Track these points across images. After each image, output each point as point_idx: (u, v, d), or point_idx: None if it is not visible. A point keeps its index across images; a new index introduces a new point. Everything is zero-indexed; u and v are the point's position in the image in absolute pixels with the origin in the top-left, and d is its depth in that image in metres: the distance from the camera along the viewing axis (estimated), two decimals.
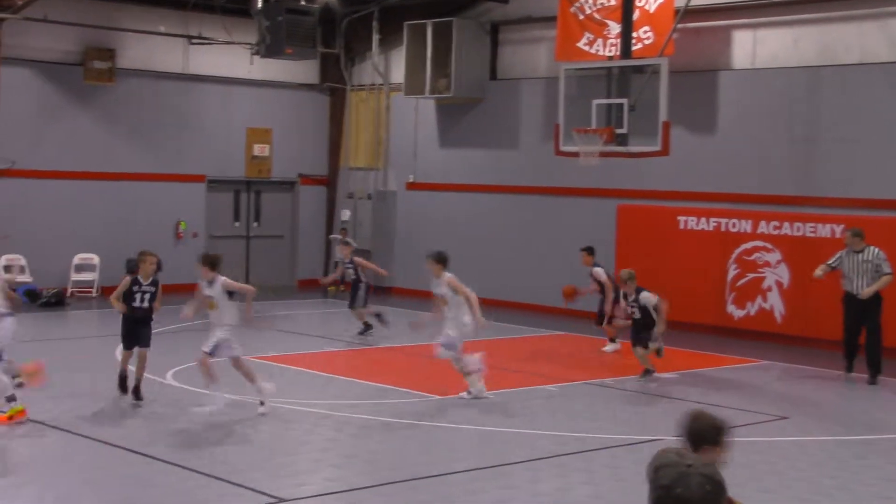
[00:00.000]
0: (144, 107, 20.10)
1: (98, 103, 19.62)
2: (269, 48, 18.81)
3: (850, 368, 12.58)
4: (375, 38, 20.76)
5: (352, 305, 15.48)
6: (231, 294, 10.36)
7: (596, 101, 15.38)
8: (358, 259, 15.75)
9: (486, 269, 18.01)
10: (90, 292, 19.14)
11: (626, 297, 12.60)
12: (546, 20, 17.96)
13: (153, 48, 20.05)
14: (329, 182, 22.70)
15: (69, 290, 18.71)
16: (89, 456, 8.77)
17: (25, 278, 18.23)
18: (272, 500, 7.63)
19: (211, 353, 9.92)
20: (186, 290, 12.83)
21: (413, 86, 19.47)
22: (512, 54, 19.55)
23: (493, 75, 19.63)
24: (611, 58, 16.33)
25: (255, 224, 21.98)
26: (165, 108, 20.37)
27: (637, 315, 12.08)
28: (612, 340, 14.51)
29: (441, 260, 10.96)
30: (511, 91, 19.22)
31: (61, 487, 7.77)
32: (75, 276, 19.05)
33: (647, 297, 11.90)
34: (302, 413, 10.45)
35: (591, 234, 16.52)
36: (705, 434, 3.79)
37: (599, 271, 14.44)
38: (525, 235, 18.77)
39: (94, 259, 19.26)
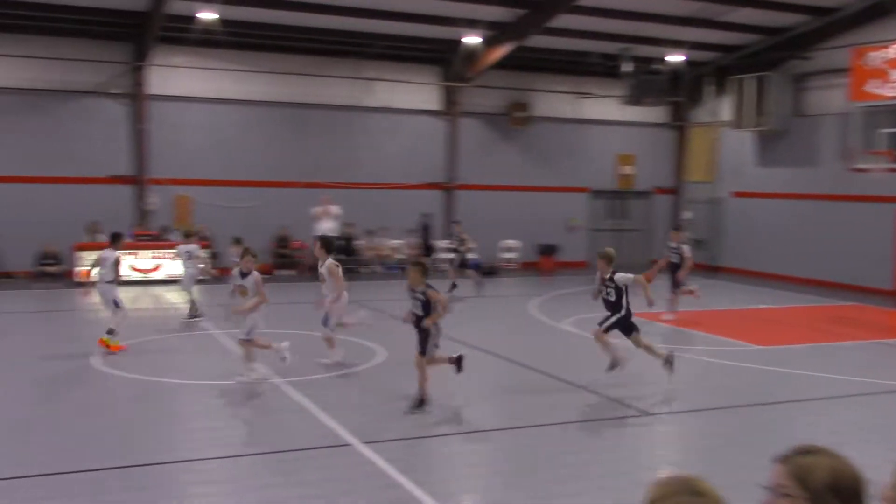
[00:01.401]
0: (548, 142, 28.35)
1: (518, 140, 28.14)
2: (633, 99, 25.66)
3: None
4: (709, 88, 27.40)
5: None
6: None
7: (881, 130, 21.47)
8: (684, 246, 17.39)
9: (791, 253, 24.54)
10: (513, 266, 27.35)
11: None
12: (839, 71, 23.19)
13: (554, 101, 28.23)
14: (675, 192, 29.99)
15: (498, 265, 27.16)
16: None
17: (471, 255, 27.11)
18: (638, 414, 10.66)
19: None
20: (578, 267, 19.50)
21: (737, 122, 25.89)
22: (812, 96, 24.93)
23: (798, 112, 25.13)
24: (893, 97, 21.74)
25: (623, 221, 29.81)
26: (562, 143, 28.49)
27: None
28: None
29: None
30: (811, 124, 24.75)
31: None
32: (503, 255, 27.73)
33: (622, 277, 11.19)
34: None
35: (871, 231, 22.52)
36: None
37: (686, 247, 17.25)
38: (821, 230, 24.23)
39: (515, 244, 27.61)
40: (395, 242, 26.22)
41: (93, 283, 13.96)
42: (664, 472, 2.57)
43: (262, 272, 21.98)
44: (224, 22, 21.33)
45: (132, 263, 21.29)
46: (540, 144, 28.16)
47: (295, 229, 24.31)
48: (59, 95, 22.46)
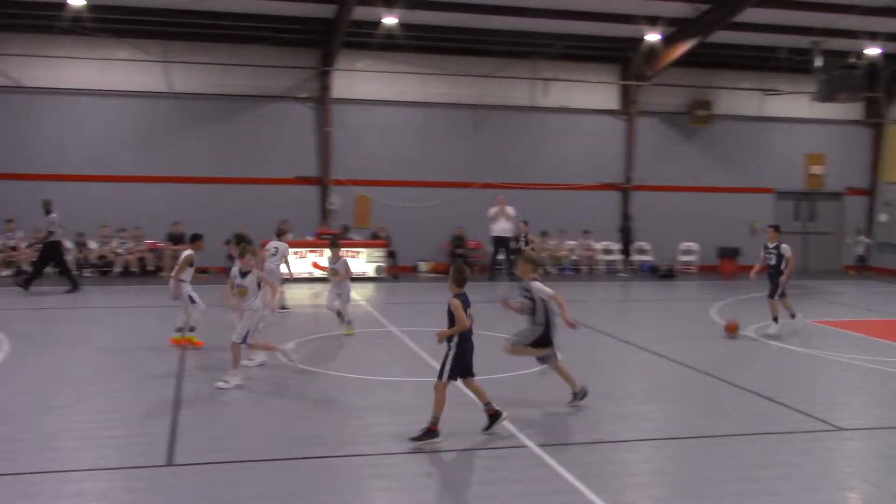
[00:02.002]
0: (731, 140, 27.42)
1: (699, 139, 27.37)
2: (825, 95, 24.14)
3: None
4: None
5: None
6: None
7: None
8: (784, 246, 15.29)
9: None
10: (691, 269, 26.61)
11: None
12: None
13: (739, 99, 27.32)
14: (870, 193, 28.16)
15: (676, 267, 26.46)
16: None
17: (646, 258, 26.57)
18: (831, 429, 9.19)
19: None
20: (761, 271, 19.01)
21: None
22: None
23: None
24: None
25: (811, 223, 28.32)
26: (746, 142, 27.44)
27: None
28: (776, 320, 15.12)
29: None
30: None
31: None
32: (681, 258, 26.90)
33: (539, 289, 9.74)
34: (854, 365, 12.36)
35: None
36: None
37: (787, 247, 15.23)
38: None
39: (693, 246, 26.78)
40: (571, 244, 25.99)
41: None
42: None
43: (438, 272, 22.15)
44: (404, 26, 21.85)
45: (315, 261, 22.13)
46: (722, 143, 27.26)
47: (470, 229, 24.55)
48: (249, 100, 23.69)
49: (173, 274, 13.11)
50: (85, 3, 20.55)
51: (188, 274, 13.01)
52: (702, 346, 14.23)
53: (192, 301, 12.99)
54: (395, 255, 23.68)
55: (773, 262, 15.25)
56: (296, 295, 19.34)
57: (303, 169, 24.13)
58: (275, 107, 23.94)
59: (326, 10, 21.92)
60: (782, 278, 15.01)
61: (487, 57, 24.95)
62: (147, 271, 22.42)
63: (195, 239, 13.46)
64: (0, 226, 21.90)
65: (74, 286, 19.06)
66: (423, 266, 24.62)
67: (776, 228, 15.64)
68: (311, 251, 22.06)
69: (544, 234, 25.50)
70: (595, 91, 26.25)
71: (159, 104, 23.37)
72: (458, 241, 24.72)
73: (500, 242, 22.77)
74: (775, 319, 15.12)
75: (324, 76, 23.87)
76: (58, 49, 22.43)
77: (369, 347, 13.76)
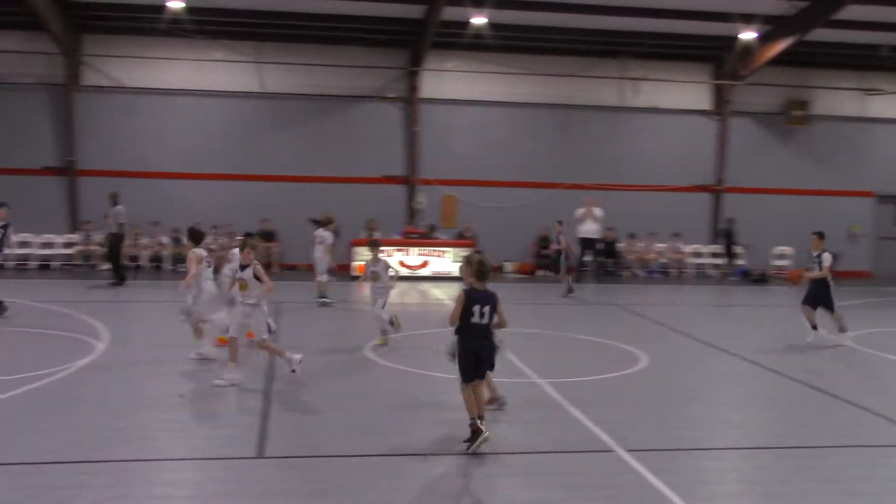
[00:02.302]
0: (829, 142, 26.55)
1: (794, 140, 26.58)
2: None
3: None
4: None
5: None
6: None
7: None
8: None
9: None
10: (784, 274, 25.85)
11: None
12: None
13: (838, 99, 26.44)
14: None
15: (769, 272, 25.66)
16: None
17: (739, 262, 25.86)
18: None
19: None
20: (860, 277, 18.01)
21: None
22: None
23: None
24: None
25: None
26: (845, 143, 26.51)
27: None
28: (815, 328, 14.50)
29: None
30: None
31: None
32: (775, 262, 26.09)
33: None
34: None
35: None
36: None
37: (827, 256, 14.44)
38: None
39: (788, 250, 26.08)
40: (660, 246, 25.57)
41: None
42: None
43: (524, 272, 22.02)
44: (492, 25, 21.84)
45: (401, 259, 22.31)
46: (819, 145, 26.48)
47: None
48: (339, 100, 24.02)
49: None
50: (183, 5, 21.15)
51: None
52: (794, 353, 13.82)
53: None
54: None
55: (816, 270, 14.61)
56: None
57: (390, 168, 24.35)
58: (364, 107, 24.21)
59: (416, 11, 22.07)
60: (828, 290, 14.35)
61: (575, 56, 24.74)
62: None
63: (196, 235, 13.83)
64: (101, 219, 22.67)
65: (121, 280, 19.48)
66: (508, 266, 24.57)
67: (820, 236, 14.79)
68: (397, 250, 22.24)
69: (632, 236, 25.15)
70: (686, 91, 25.77)
71: (252, 104, 23.89)
72: (544, 241, 24.56)
73: (587, 244, 22.54)
74: (814, 327, 14.51)
75: (412, 76, 24.03)
76: (156, 50, 23.15)
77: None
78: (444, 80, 24.39)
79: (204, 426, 9.03)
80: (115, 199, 19.53)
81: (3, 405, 9.35)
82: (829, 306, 14.50)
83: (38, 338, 13.22)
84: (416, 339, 14.20)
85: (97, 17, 22.72)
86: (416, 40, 23.41)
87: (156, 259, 22.78)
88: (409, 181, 24.44)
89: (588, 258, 22.83)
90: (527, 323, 14.92)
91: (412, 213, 24.34)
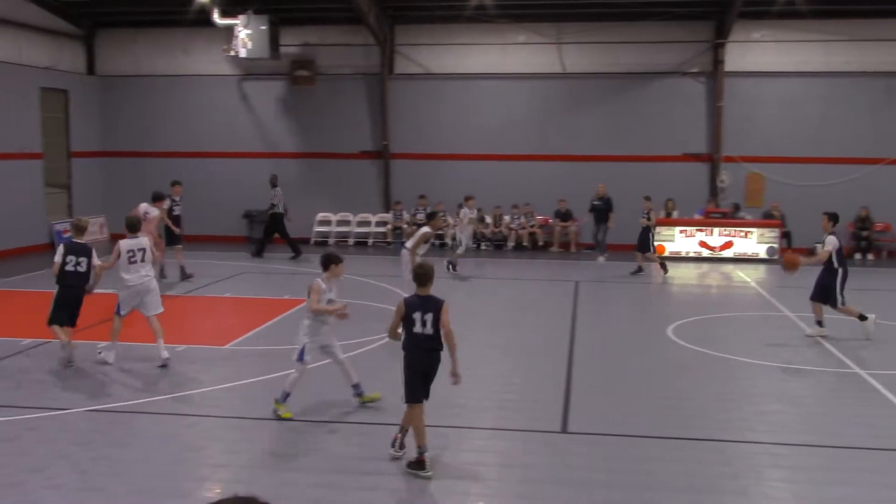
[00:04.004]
0: None
1: None
2: None
3: None
4: None
5: None
6: None
7: None
8: None
9: None
10: None
11: None
12: None
13: None
14: None
15: None
16: None
17: None
18: None
19: None
20: None
21: None
22: None
23: None
24: None
25: None
26: None
27: None
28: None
29: None
30: None
31: None
32: None
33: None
34: None
35: None
36: None
37: (831, 239, 12.48)
38: None
39: None
40: None
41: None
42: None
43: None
44: None
45: (702, 240, 21.60)
46: None
47: (878, 210, 22.38)
48: (639, 77, 23.60)
49: (409, 247, 13.40)
50: None
51: (423, 249, 13.41)
52: None
53: None
54: (789, 235, 22.30)
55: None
56: (681, 273, 19.03)
57: (692, 145, 23.58)
58: (664, 83, 23.60)
59: None
60: (837, 280, 12.25)
61: None
62: (537, 246, 23.37)
63: (432, 217, 14.12)
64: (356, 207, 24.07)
65: (297, 253, 20.59)
66: (819, 248, 22.88)
67: (830, 217, 12.81)
68: (698, 230, 21.56)
69: None
70: None
71: (553, 84, 24.13)
72: (863, 223, 22.61)
73: None
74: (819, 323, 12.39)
75: (717, 49, 23.05)
76: (462, 37, 24.05)
77: (759, 331, 13.13)
78: (751, 51, 23.13)
79: (509, 397, 9.31)
80: (273, 182, 21.02)
81: (330, 369, 10.25)
82: (831, 301, 12.33)
83: (356, 309, 14.34)
84: (721, 323, 13.71)
85: (408, 8, 24.03)
86: (721, 11, 22.41)
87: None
88: (711, 159, 23.53)
89: None
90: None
91: (714, 192, 23.43)
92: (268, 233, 21.10)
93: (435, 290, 7.28)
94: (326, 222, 24.42)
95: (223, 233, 24.02)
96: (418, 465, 7.09)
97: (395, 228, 23.89)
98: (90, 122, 24.72)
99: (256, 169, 24.16)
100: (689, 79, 23.43)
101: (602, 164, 23.62)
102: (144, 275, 10.54)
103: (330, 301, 8.42)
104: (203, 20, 22.80)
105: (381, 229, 24.25)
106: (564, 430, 8.17)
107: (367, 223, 24.44)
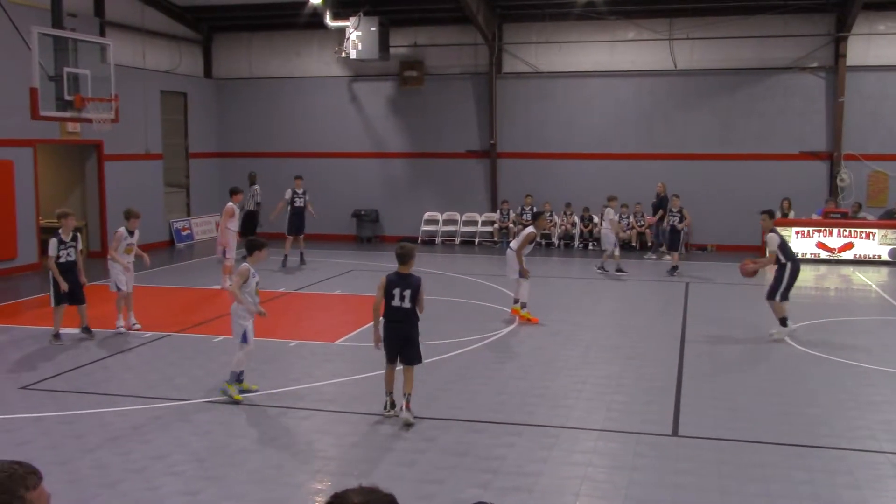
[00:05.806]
0: None
1: None
2: None
3: None
4: None
5: None
6: None
7: None
8: None
9: None
10: None
11: None
12: None
13: None
14: None
15: None
16: None
17: None
18: None
19: None
20: None
21: None
22: None
23: None
24: None
25: None
26: None
27: None
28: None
29: None
30: None
31: None
32: None
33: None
34: None
35: None
36: None
37: (772, 237, 12.15)
38: None
39: None
40: None
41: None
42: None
43: None
44: None
45: (820, 241, 20.82)
46: None
47: None
48: (754, 73, 22.91)
49: (515, 248, 13.31)
50: None
51: (528, 249, 13.32)
52: None
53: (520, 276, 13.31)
54: None
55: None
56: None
57: (810, 143, 22.74)
58: (781, 78, 22.83)
59: None
60: (785, 274, 12.06)
61: None
62: (645, 246, 22.95)
63: (537, 217, 13.93)
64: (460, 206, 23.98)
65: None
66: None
67: (769, 214, 12.94)
68: (816, 230, 20.79)
69: None
70: None
71: (663, 82, 23.66)
72: None
73: None
74: (782, 322, 12.11)
75: (838, 42, 22.16)
76: (570, 34, 23.83)
77: (882, 335, 12.57)
78: (875, 44, 22.14)
79: (617, 399, 9.18)
80: (252, 179, 21.39)
81: (440, 366, 10.32)
82: (769, 293, 12.23)
83: (463, 308, 14.38)
84: (840, 327, 13.18)
85: (516, 7, 23.95)
86: (843, 2, 21.53)
87: (567, 237, 23.59)
88: (830, 157, 22.64)
89: None
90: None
91: (834, 192, 22.53)
92: (246, 232, 20.09)
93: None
94: (433, 221, 24.59)
95: (333, 231, 24.49)
96: (389, 405, 8.36)
97: (502, 228, 23.87)
98: (207, 123, 25.61)
99: (365, 169, 24.54)
100: (808, 73, 22.61)
101: (714, 163, 23.08)
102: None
103: (258, 283, 9.33)
104: (315, 23, 23.33)
105: (488, 228, 24.27)
106: (675, 434, 8.00)
107: (474, 222, 24.51)
